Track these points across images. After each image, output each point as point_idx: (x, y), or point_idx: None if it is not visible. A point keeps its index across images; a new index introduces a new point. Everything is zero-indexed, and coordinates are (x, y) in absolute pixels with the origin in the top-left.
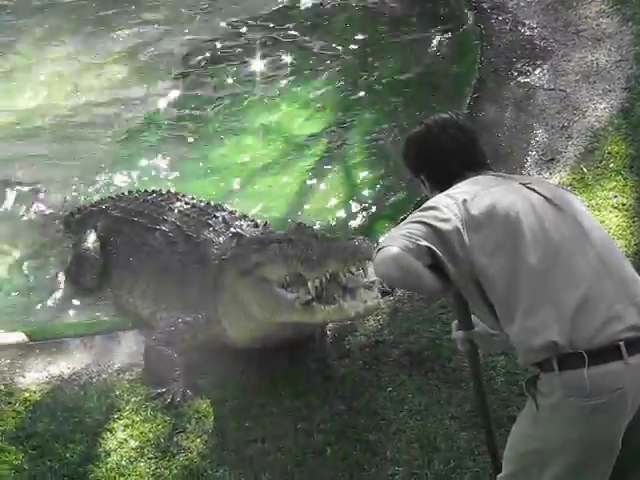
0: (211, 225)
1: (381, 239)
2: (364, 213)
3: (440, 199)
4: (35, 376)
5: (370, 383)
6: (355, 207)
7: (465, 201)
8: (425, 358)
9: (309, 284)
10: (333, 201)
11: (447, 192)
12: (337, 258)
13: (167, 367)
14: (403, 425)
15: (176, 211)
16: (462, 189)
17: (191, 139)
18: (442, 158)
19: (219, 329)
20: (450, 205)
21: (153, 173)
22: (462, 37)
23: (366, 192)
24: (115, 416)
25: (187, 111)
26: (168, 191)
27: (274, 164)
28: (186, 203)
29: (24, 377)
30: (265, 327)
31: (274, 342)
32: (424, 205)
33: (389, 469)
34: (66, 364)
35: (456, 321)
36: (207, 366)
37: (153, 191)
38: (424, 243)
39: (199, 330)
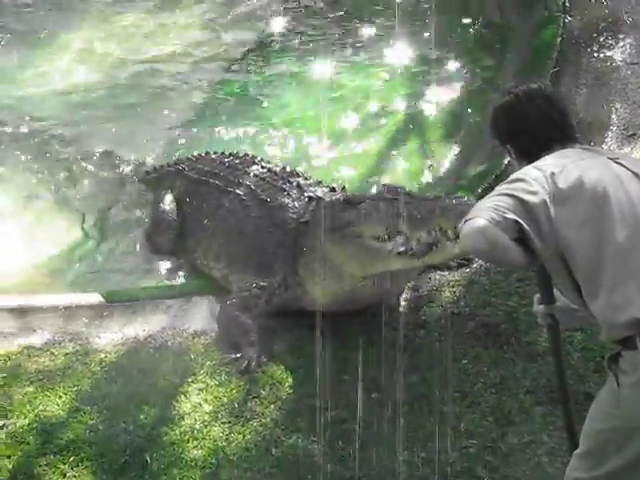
0: (285, 190)
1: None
2: (442, 184)
3: (528, 171)
4: (111, 337)
5: (445, 355)
6: (433, 178)
7: (553, 174)
8: (501, 331)
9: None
10: (411, 171)
11: (535, 164)
12: (445, 217)
13: (242, 332)
14: (478, 398)
15: (252, 175)
16: (550, 162)
17: (266, 104)
18: (529, 129)
19: (298, 292)
20: (538, 178)
21: (228, 136)
22: (544, 9)
23: (444, 163)
24: (189, 379)
25: (263, 76)
26: (245, 154)
27: (352, 132)
28: (262, 167)
29: (100, 338)
30: (352, 284)
31: (352, 304)
32: (512, 177)
33: (463, 441)
34: (141, 326)
35: (538, 295)
36: (282, 332)
37: (230, 154)
38: (511, 216)
39: (274, 294)
